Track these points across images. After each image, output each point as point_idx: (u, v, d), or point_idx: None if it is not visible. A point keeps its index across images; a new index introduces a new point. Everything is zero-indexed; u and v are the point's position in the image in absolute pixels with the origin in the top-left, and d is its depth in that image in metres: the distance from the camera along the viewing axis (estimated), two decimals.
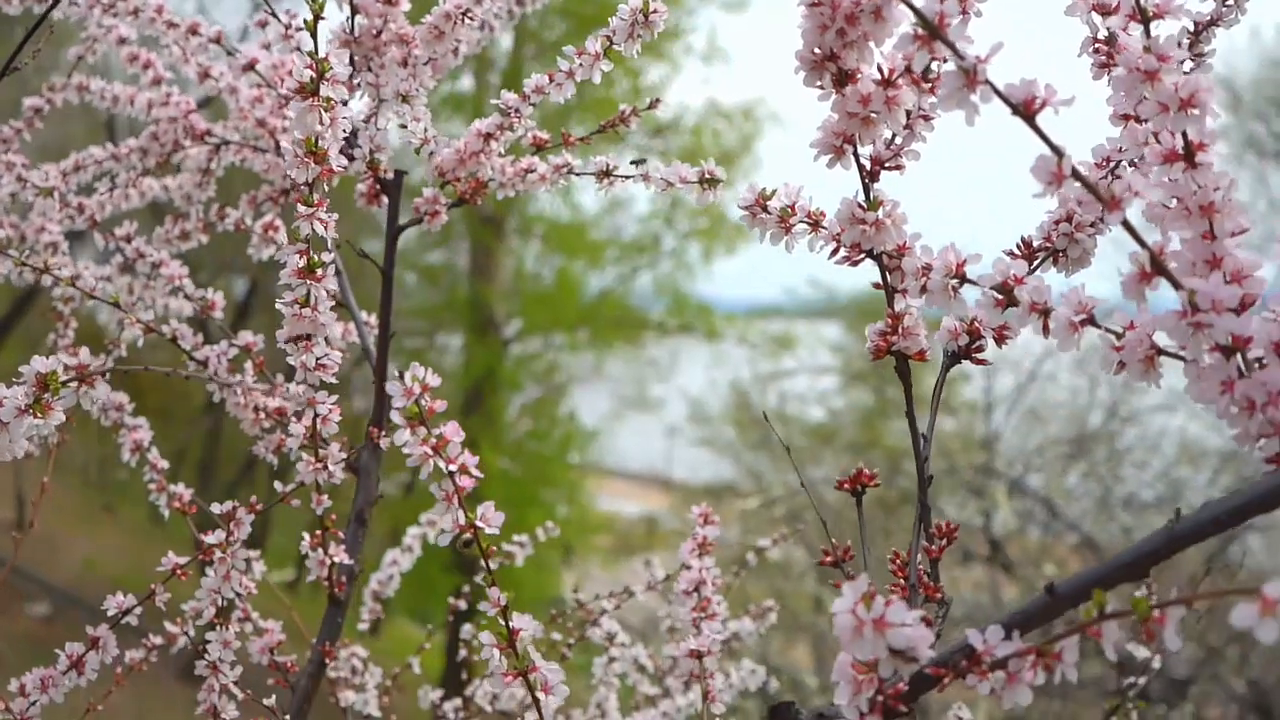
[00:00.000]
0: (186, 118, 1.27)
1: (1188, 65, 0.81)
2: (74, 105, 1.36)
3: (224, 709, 1.02)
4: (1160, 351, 0.61)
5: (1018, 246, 0.77)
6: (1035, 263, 0.76)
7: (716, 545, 0.94)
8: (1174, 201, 0.63)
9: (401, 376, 0.68)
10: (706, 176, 0.94)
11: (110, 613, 0.99)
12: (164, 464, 1.18)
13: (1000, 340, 0.75)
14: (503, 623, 0.72)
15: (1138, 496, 6.95)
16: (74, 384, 0.76)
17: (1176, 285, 0.57)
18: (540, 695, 0.71)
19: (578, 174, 1.05)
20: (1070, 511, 6.61)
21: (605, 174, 1.03)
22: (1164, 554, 0.56)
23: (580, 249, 11.68)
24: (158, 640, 1.25)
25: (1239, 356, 0.57)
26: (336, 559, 1.06)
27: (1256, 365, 0.58)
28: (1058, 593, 0.57)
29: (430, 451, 0.68)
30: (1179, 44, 0.80)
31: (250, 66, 1.08)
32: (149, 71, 1.28)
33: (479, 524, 0.70)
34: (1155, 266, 0.57)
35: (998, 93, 0.56)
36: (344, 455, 1.00)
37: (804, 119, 0.75)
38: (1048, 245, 0.76)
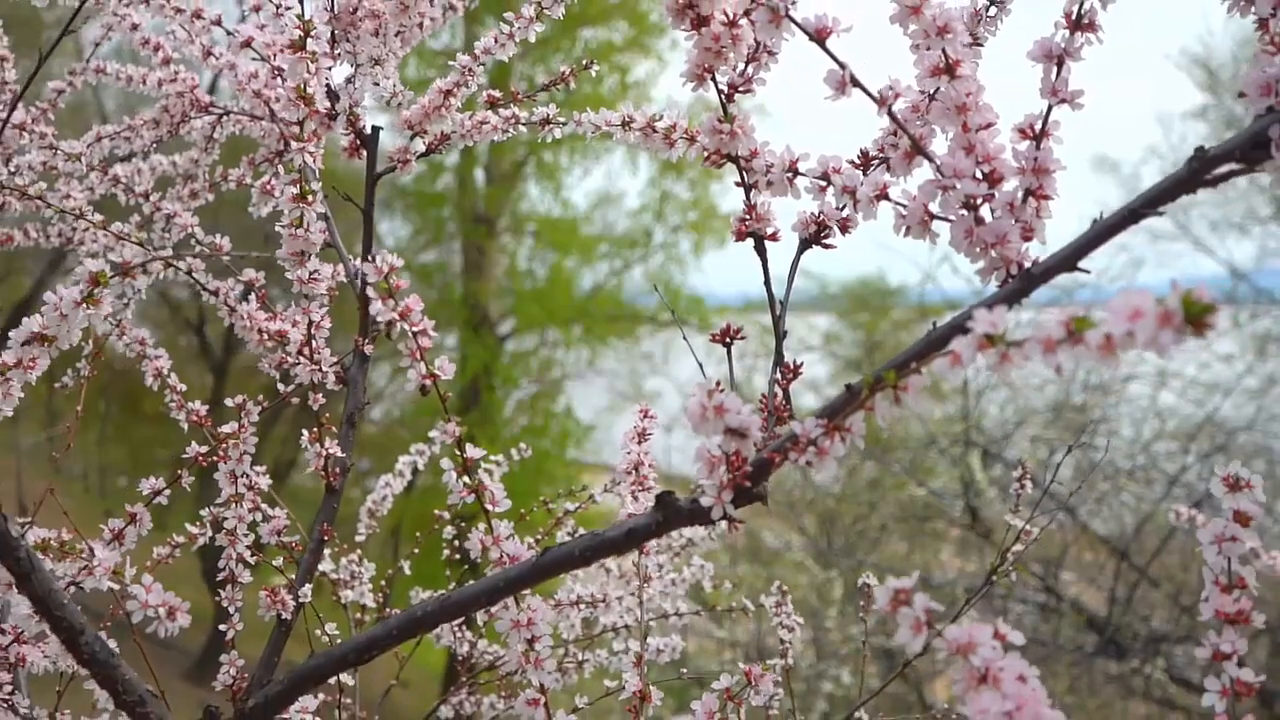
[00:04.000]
0: (192, 92, 1.48)
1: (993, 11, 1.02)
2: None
3: (240, 575, 1.23)
4: (933, 216, 0.81)
5: (858, 155, 0.98)
6: (870, 167, 0.97)
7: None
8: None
9: (373, 260, 0.89)
10: (625, 120, 1.14)
11: (145, 492, 1.20)
12: (182, 387, 1.39)
13: (844, 229, 0.96)
14: (459, 452, 0.93)
15: (1116, 465, 7.15)
16: (118, 277, 0.96)
17: (931, 160, 0.77)
18: (489, 507, 0.92)
19: (524, 124, 1.26)
20: (1051, 481, 6.83)
21: (546, 122, 1.24)
22: (925, 351, 0.76)
23: (572, 245, 11.87)
24: (180, 539, 1.46)
25: (978, 212, 0.78)
26: (331, 452, 1.27)
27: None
28: (853, 389, 0.78)
29: (398, 317, 0.89)
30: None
31: (247, 44, 1.29)
32: (159, 53, 1.49)
33: (437, 372, 0.91)
34: (915, 148, 0.78)
35: (797, 24, 0.77)
36: (335, 360, 1.20)
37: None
38: (880, 154, 0.97)
